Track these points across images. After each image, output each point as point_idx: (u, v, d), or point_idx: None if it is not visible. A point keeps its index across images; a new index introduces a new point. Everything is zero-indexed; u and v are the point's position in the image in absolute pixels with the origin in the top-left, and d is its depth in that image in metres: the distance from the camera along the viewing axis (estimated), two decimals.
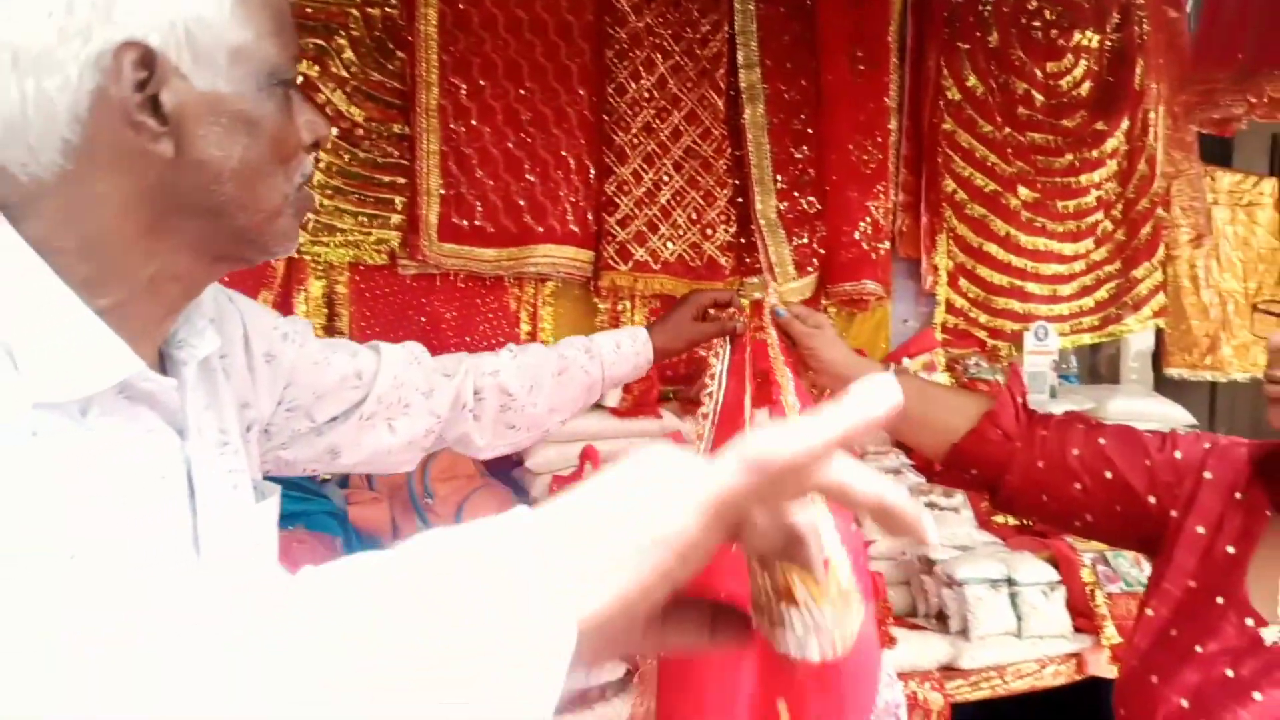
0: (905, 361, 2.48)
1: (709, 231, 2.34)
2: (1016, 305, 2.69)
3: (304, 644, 0.35)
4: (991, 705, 1.80)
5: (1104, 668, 1.80)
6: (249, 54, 0.60)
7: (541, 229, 2.20)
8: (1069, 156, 2.73)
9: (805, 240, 2.41)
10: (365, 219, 2.09)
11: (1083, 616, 1.84)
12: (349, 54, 2.05)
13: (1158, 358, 3.02)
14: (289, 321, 0.90)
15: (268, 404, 0.85)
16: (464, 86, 2.11)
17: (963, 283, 2.68)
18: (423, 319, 2.19)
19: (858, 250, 2.49)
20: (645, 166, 2.29)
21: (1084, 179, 2.74)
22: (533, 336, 2.28)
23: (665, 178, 2.30)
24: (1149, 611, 0.99)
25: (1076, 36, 2.74)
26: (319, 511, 1.75)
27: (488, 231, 2.16)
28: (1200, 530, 0.96)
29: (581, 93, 2.23)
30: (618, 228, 2.26)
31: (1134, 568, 1.95)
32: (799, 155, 2.43)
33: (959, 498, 2.11)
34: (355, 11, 2.04)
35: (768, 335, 1.11)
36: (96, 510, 0.56)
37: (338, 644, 0.34)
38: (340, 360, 0.95)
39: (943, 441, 1.09)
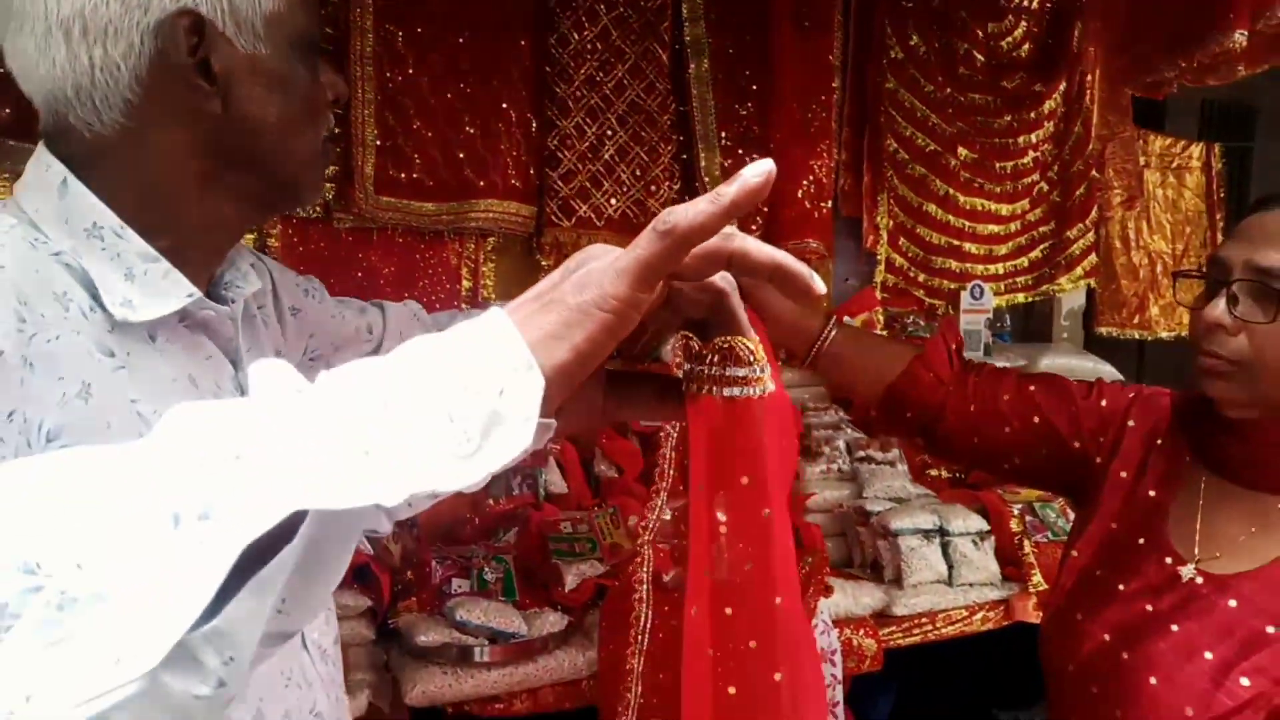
0: (846, 320, 2.51)
1: (653, 188, 2.32)
2: (954, 264, 2.74)
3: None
4: (923, 650, 1.86)
5: (1030, 614, 1.87)
6: (281, 20, 0.67)
7: (482, 183, 2.16)
8: (1008, 117, 2.77)
9: None
10: None
11: (1011, 565, 1.91)
12: None
13: (1088, 317, 3.11)
14: (307, 279, 0.96)
15: (296, 354, 0.89)
16: (400, 34, 2.05)
17: (902, 242, 2.71)
18: (359, 274, 2.14)
19: (801, 209, 2.50)
20: (588, 120, 2.25)
21: (1022, 140, 2.79)
22: (474, 293, 2.26)
23: (609, 132, 2.27)
24: (1074, 553, 1.02)
25: None
26: None
27: (426, 185, 2.11)
28: (1123, 475, 1.00)
29: (523, 43, 2.18)
30: (560, 183, 2.23)
31: (1060, 518, 2.02)
32: (743, 112, 2.42)
33: (895, 453, 2.16)
34: None
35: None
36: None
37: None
38: (352, 315, 0.99)
39: (877, 385, 1.11)
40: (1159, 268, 3.23)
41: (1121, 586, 0.95)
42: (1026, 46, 2.81)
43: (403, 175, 2.09)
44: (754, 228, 2.42)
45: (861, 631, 1.74)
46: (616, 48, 2.27)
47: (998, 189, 2.76)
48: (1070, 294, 2.98)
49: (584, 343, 0.40)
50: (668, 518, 1.02)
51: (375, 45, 2.03)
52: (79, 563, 0.34)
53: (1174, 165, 3.37)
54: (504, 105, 2.17)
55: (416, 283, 2.21)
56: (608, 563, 1.68)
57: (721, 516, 0.53)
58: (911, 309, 2.70)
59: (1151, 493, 0.98)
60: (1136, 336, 3.16)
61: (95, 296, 0.64)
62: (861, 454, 2.15)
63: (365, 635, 1.49)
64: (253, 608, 0.37)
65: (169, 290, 0.66)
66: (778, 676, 0.62)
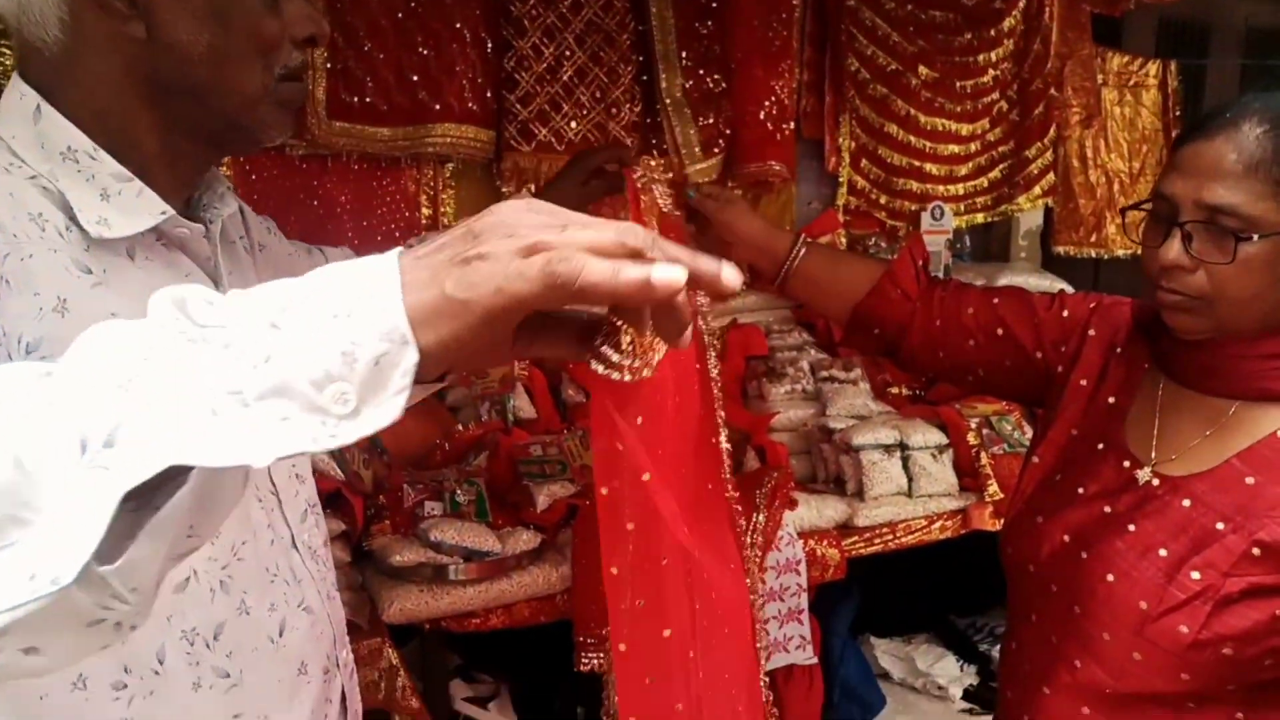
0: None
1: (614, 110, 2.28)
2: (915, 186, 2.75)
3: None
4: (883, 559, 1.92)
5: (987, 522, 1.94)
6: None
7: (438, 106, 2.11)
8: (968, 35, 2.75)
9: (711, 120, 2.39)
10: None
11: (968, 476, 1.97)
12: None
13: (1046, 236, 3.15)
14: (265, 219, 0.97)
15: None
16: None
17: (864, 164, 2.71)
18: (315, 203, 2.10)
19: (763, 130, 2.48)
20: (545, 40, 2.20)
21: (982, 58, 2.77)
22: (434, 221, 2.23)
23: (567, 53, 2.22)
24: (1035, 459, 1.06)
25: None
26: None
27: (380, 109, 2.06)
28: (1083, 383, 1.03)
29: None
30: (519, 105, 2.19)
31: (1016, 430, 2.08)
32: (704, 31, 2.38)
33: (857, 372, 2.20)
34: None
35: (650, 211, 1.09)
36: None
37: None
38: (303, 256, 1.01)
39: (847, 303, 1.13)
40: (1116, 186, 3.26)
41: (1081, 489, 0.99)
42: None
43: (355, 99, 2.04)
44: (716, 151, 2.41)
45: (825, 542, 1.80)
46: None
47: (958, 108, 2.76)
48: (1028, 213, 3.01)
49: (465, 331, 0.39)
50: None
51: None
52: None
53: (1131, 83, 3.38)
54: (458, 25, 2.11)
55: (375, 211, 2.17)
56: (579, 483, 1.71)
57: (606, 480, 0.58)
58: (873, 231, 2.71)
59: (1111, 399, 1.01)
60: (1093, 255, 3.21)
61: (72, 217, 0.66)
62: (825, 374, 2.19)
63: (341, 558, 1.50)
64: (152, 547, 0.38)
65: (143, 208, 0.69)
66: (666, 633, 0.66)
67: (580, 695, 1.78)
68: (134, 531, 0.37)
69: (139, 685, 0.65)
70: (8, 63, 1.57)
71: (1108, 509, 0.95)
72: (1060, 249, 3.14)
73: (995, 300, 1.09)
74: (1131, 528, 0.91)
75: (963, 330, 1.09)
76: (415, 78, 2.08)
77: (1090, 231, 3.24)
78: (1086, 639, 0.92)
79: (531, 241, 0.40)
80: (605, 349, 0.47)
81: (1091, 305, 1.08)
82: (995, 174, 2.89)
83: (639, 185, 1.04)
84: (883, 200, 2.74)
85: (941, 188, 2.76)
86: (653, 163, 1.04)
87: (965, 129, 2.79)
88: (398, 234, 2.17)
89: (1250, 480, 0.86)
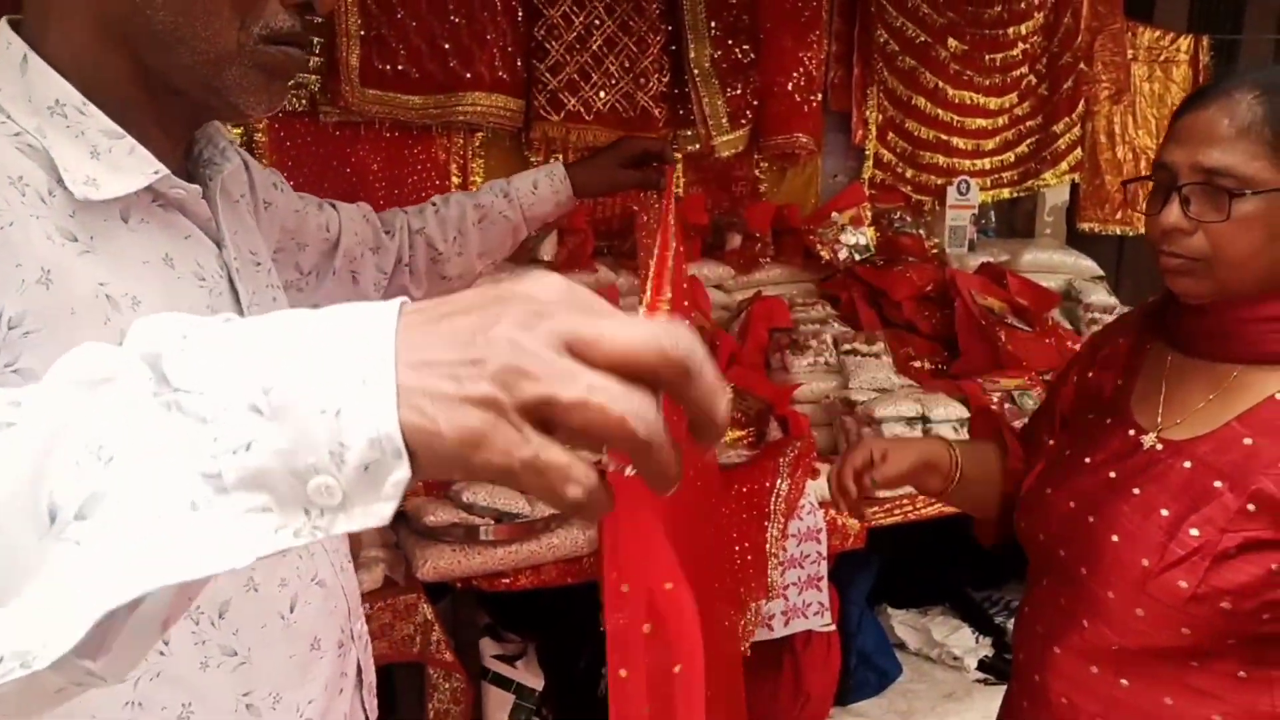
0: (833, 216, 2.53)
1: (642, 80, 2.29)
2: (941, 160, 2.74)
3: None
4: (902, 531, 1.96)
5: None
6: None
7: (469, 75, 2.13)
8: (998, 8, 2.72)
9: (739, 91, 2.39)
10: None
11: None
12: None
13: (1072, 212, 3.14)
14: (273, 172, 0.94)
15: (268, 248, 0.88)
16: None
17: (891, 137, 2.70)
18: (348, 170, 2.12)
19: (791, 102, 2.47)
20: (575, 9, 2.20)
21: (1011, 31, 2.75)
22: (463, 189, 2.24)
23: (596, 22, 2.23)
24: (1049, 440, 1.09)
25: None
26: None
27: (412, 76, 2.08)
28: (1090, 375, 1.08)
29: None
30: (548, 75, 2.20)
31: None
32: (733, 1, 2.37)
33: (880, 345, 2.21)
34: None
35: (668, 214, 1.09)
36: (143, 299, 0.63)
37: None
38: (312, 212, 0.98)
39: (993, 497, 1.15)
40: (1143, 163, 3.24)
41: (1088, 459, 1.02)
42: None
43: (388, 67, 2.06)
44: (744, 122, 2.41)
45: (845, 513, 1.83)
46: None
47: (986, 82, 2.74)
48: (1054, 189, 3.00)
49: (459, 471, 0.34)
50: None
51: None
52: None
53: (1161, 58, 3.34)
54: None
55: (405, 179, 2.19)
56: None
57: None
58: (899, 205, 2.71)
59: (1119, 381, 1.05)
60: (1118, 232, 3.20)
61: (58, 179, 0.61)
62: (848, 347, 2.20)
63: None
64: (135, 640, 0.35)
65: (134, 167, 0.63)
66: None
67: (605, 655, 1.82)
68: (112, 621, 0.33)
69: (144, 667, 0.63)
70: None
71: (1113, 474, 0.98)
72: (1085, 225, 3.13)
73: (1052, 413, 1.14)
74: (1136, 491, 0.94)
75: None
76: (447, 46, 2.09)
77: (1116, 209, 3.22)
78: (1093, 599, 0.95)
79: (548, 400, 0.33)
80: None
81: (1090, 339, 1.15)
82: (1022, 149, 2.87)
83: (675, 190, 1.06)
84: (908, 174, 2.73)
85: (968, 162, 2.75)
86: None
87: (993, 103, 2.78)
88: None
89: (1248, 441, 0.88)
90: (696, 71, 2.33)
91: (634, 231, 2.33)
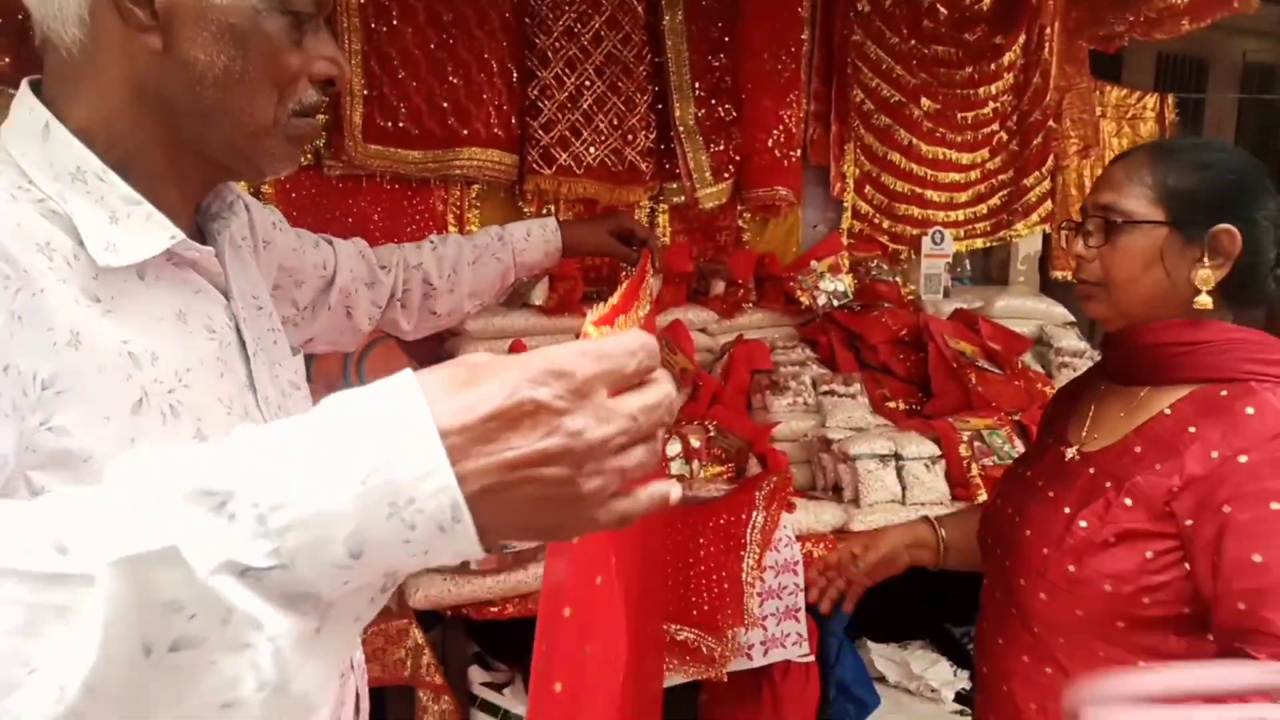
0: (812, 264, 2.65)
1: (630, 137, 2.42)
2: (916, 211, 2.87)
3: None
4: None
5: None
6: None
7: (466, 131, 2.26)
8: (969, 69, 2.88)
9: (722, 147, 2.52)
10: None
11: (960, 486, 2.08)
12: None
13: (1044, 261, 3.26)
14: (271, 210, 0.98)
15: (266, 286, 0.92)
16: None
17: (868, 190, 2.84)
18: (350, 220, 2.24)
19: (771, 157, 2.61)
20: (567, 71, 2.35)
21: (982, 91, 2.91)
22: None
23: (587, 83, 2.37)
24: (1016, 470, 1.22)
25: None
26: None
27: (412, 133, 2.21)
28: (1051, 403, 1.24)
29: None
30: (541, 132, 2.33)
31: (1006, 444, 2.19)
32: (716, 63, 2.52)
33: (856, 386, 2.31)
34: None
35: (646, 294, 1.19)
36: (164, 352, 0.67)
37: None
38: (309, 249, 1.03)
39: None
40: None
41: (1029, 474, 1.17)
42: (988, 0, 2.92)
43: (389, 124, 2.19)
44: (726, 176, 2.54)
45: (822, 545, 1.91)
46: (594, 0, 2.36)
47: (959, 138, 2.89)
48: (1027, 239, 3.13)
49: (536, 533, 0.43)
50: None
51: None
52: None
53: (1129, 115, 3.50)
54: (486, 56, 2.26)
55: (404, 228, 2.31)
56: None
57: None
58: (875, 254, 2.83)
59: (1065, 407, 1.19)
60: None
61: (80, 242, 0.64)
62: (825, 388, 2.30)
63: None
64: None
65: (152, 232, 0.67)
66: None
67: None
68: None
69: None
70: None
71: (1040, 483, 1.12)
72: (1058, 274, 3.25)
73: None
74: (1050, 494, 1.08)
75: None
76: (445, 104, 2.23)
77: None
78: (1013, 588, 1.09)
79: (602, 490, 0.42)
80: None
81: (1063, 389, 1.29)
82: (995, 201, 3.01)
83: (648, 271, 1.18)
84: (885, 225, 2.86)
85: (942, 214, 2.89)
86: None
87: (965, 158, 2.92)
88: None
89: (1138, 449, 1.01)
90: (682, 129, 2.47)
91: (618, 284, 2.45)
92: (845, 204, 2.81)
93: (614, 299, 0.73)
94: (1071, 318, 2.90)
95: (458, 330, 2.12)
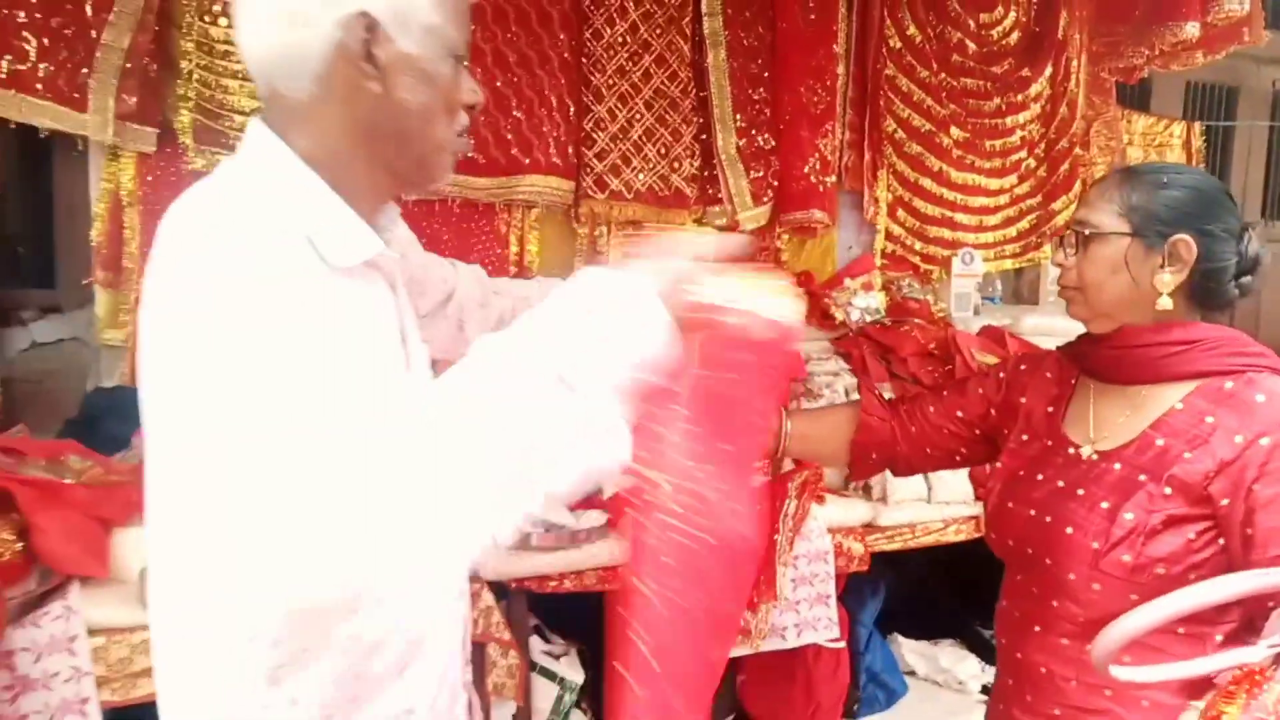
0: (846, 282, 2.82)
1: (676, 165, 2.64)
2: (946, 233, 3.04)
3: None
4: (913, 565, 2.18)
5: None
6: (437, 32, 0.85)
7: (528, 160, 2.49)
8: (997, 100, 3.05)
9: (761, 174, 2.72)
10: None
11: (980, 486, 2.22)
12: None
13: None
14: (410, 230, 1.16)
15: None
16: None
17: (900, 213, 3.01)
18: (423, 240, 2.44)
19: (807, 183, 2.80)
20: (619, 105, 2.57)
21: (1010, 120, 3.07)
22: (520, 257, 2.58)
23: (637, 116, 2.59)
24: (998, 464, 1.34)
25: None
26: None
27: (479, 162, 2.44)
28: (1023, 400, 1.33)
29: (562, 37, 2.49)
30: (595, 160, 2.56)
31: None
32: (756, 97, 2.73)
33: (888, 395, 2.47)
34: None
35: None
36: (357, 334, 0.87)
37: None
38: (435, 266, 1.22)
39: (841, 446, 1.43)
40: None
41: (1040, 476, 1.25)
42: (1015, 34, 3.09)
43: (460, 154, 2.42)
44: (765, 200, 2.74)
45: (851, 537, 2.07)
46: (644, 40, 2.58)
47: (987, 165, 3.06)
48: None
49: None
50: None
51: None
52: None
53: (1156, 143, 3.63)
54: (546, 92, 2.49)
55: (472, 248, 2.54)
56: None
57: None
58: (907, 273, 3.00)
59: (1049, 409, 1.29)
60: None
61: (315, 247, 0.80)
62: (856, 396, 2.46)
63: None
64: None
65: (363, 241, 0.84)
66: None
67: None
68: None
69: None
70: None
71: (1061, 483, 1.21)
72: None
73: (945, 394, 1.41)
74: (1080, 492, 1.17)
75: (935, 427, 1.41)
76: (510, 136, 2.46)
77: None
78: (1058, 582, 1.17)
79: None
80: None
81: (1019, 358, 1.39)
82: (1024, 224, 3.16)
83: None
84: (917, 246, 3.03)
85: (972, 236, 3.05)
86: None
87: (994, 184, 3.08)
88: (489, 268, 2.51)
89: (1160, 442, 1.12)
90: (724, 157, 2.67)
91: None
92: (878, 226, 2.99)
93: None
94: None
95: None
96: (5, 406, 2.00)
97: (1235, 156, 3.90)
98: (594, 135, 2.55)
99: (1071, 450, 1.23)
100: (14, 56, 1.89)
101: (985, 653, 2.57)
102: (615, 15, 2.53)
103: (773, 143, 2.75)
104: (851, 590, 2.19)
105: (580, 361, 0.72)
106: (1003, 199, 3.14)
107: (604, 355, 0.74)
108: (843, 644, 2.11)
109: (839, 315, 2.69)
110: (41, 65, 1.91)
